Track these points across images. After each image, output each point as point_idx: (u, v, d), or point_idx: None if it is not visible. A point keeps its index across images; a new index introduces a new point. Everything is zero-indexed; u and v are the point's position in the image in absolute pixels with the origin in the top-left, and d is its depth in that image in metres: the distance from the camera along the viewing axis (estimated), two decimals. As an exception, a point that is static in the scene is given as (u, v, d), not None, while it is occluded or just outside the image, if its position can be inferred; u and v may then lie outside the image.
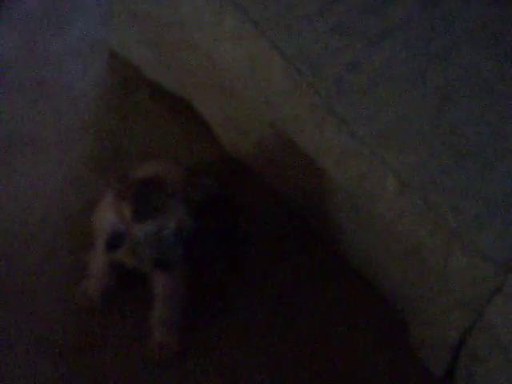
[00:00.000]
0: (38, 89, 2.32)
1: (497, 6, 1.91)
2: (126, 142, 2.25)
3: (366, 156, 1.75)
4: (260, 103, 1.94)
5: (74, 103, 2.32)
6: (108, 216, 1.75)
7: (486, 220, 1.64)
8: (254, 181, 2.21)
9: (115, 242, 1.75)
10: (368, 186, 1.78)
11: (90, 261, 1.96)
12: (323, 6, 1.84)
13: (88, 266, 1.97)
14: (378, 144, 1.74)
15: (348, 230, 2.01)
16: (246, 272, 2.12)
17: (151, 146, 2.26)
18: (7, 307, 1.98)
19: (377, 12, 1.86)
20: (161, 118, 2.31)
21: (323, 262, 2.14)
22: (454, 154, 1.71)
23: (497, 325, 1.65)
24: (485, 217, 1.64)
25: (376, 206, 1.79)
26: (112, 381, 1.91)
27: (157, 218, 1.63)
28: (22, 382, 1.89)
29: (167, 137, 2.28)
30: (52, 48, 2.44)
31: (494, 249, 1.62)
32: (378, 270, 2.01)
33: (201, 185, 1.73)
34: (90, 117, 2.31)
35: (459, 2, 1.91)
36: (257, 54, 1.86)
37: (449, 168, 1.69)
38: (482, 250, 1.62)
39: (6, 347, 1.92)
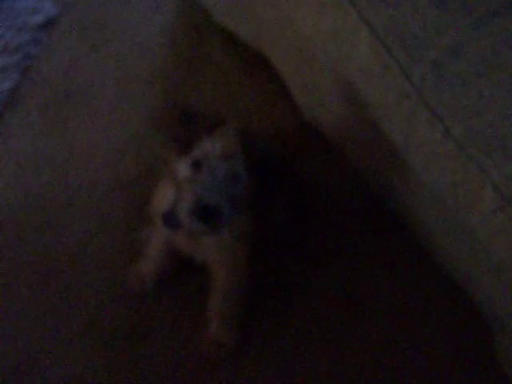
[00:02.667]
0: (99, 33, 2.11)
1: None
2: (194, 100, 2.02)
3: (461, 161, 1.47)
4: (343, 79, 1.66)
5: (138, 51, 2.10)
6: (167, 194, 1.54)
7: None
8: (332, 154, 1.95)
9: (173, 219, 1.52)
10: (461, 196, 1.50)
11: (146, 241, 1.79)
12: (423, -25, 1.51)
13: (143, 246, 1.80)
14: (476, 148, 1.45)
15: (432, 228, 1.76)
16: (312, 255, 1.90)
17: (221, 104, 2.01)
18: (54, 284, 1.85)
19: (488, -15, 1.51)
20: (233, 73, 2.07)
21: (403, 252, 1.91)
22: None
23: None
24: None
25: (468, 218, 1.52)
26: (161, 372, 1.77)
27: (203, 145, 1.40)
28: (69, 367, 1.77)
29: (240, 95, 2.05)
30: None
31: None
32: (463, 276, 1.77)
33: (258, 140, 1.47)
34: (155, 67, 2.09)
35: None
36: (342, 26, 1.56)
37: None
38: None
39: (47, 330, 1.80)
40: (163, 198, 1.58)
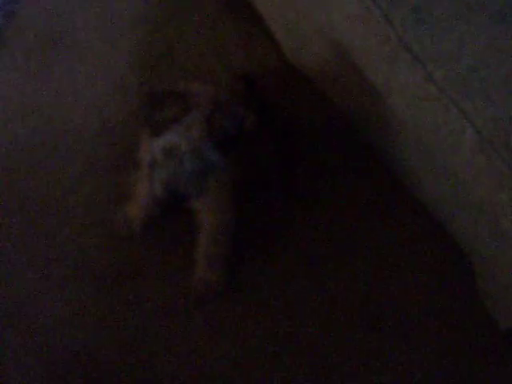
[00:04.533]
0: (80, -25, 2.08)
1: None
2: (177, 43, 2.02)
3: (442, 104, 1.48)
4: (325, 23, 1.67)
5: (119, -6, 2.07)
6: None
7: None
8: (315, 95, 1.96)
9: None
10: (442, 138, 1.53)
11: (133, 184, 1.80)
12: None
13: (130, 189, 1.82)
14: (457, 92, 1.46)
15: (415, 169, 1.79)
16: (298, 195, 1.93)
17: (205, 48, 2.01)
18: (42, 225, 1.88)
19: None
20: (217, 16, 2.05)
21: (386, 192, 1.94)
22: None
23: None
24: None
25: (450, 160, 1.55)
26: (150, 312, 1.82)
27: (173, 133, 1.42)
28: (59, 309, 1.81)
29: (223, 38, 2.04)
30: None
31: None
32: (447, 215, 1.81)
33: (230, 111, 1.46)
34: (137, 11, 2.08)
35: None
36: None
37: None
38: None
39: (36, 273, 1.83)
40: (148, 145, 1.60)
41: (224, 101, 1.47)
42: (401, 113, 1.60)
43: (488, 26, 1.48)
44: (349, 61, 1.68)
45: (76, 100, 1.98)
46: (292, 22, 1.87)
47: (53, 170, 1.91)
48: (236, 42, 2.01)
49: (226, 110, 1.44)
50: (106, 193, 1.90)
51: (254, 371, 1.76)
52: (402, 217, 1.92)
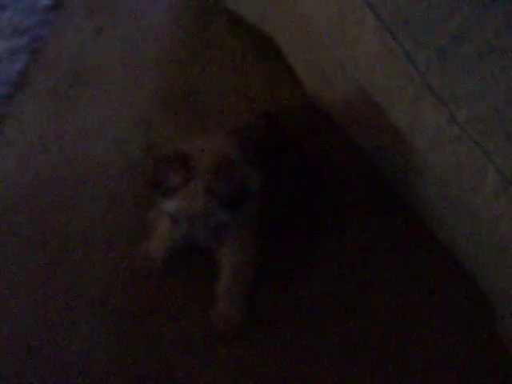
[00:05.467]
0: (105, 13, 2.12)
1: None
2: (200, 81, 2.05)
3: (465, 145, 1.49)
4: (347, 62, 1.68)
5: (145, 32, 2.11)
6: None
7: None
8: (336, 133, 1.97)
9: None
10: (464, 178, 1.53)
11: (155, 220, 1.81)
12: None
13: (152, 225, 1.83)
14: (480, 132, 1.47)
15: (436, 208, 1.80)
16: (318, 232, 1.93)
17: (227, 86, 2.03)
18: (64, 264, 1.88)
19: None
20: (240, 55, 2.07)
21: (408, 231, 1.93)
22: None
23: None
24: None
25: (472, 200, 1.55)
26: (171, 350, 1.80)
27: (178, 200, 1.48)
28: (79, 342, 1.81)
29: (246, 77, 2.05)
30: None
31: None
32: (467, 256, 1.80)
33: (231, 176, 1.50)
34: (161, 50, 2.10)
35: None
36: (347, 11, 1.58)
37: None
38: None
39: (59, 308, 1.84)
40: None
41: (225, 165, 1.50)
42: (423, 152, 1.61)
43: (510, 67, 1.49)
44: (371, 100, 1.69)
45: (99, 136, 2.00)
46: (314, 59, 1.89)
47: (75, 206, 1.93)
48: (259, 81, 2.03)
49: (226, 176, 1.48)
50: (128, 229, 1.90)
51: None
52: (423, 256, 1.92)
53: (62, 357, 1.79)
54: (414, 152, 1.65)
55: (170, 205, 1.49)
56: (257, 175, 1.54)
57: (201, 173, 1.46)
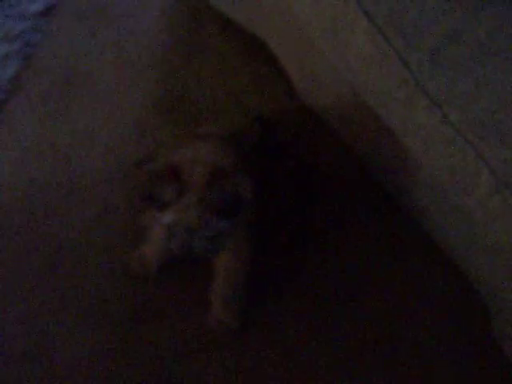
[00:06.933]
0: (97, 17, 2.12)
1: None
2: (193, 85, 2.04)
3: (458, 146, 1.49)
4: (340, 65, 1.68)
5: (137, 36, 2.12)
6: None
7: None
8: (328, 136, 1.98)
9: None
10: (458, 180, 1.53)
11: (149, 225, 1.81)
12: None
13: (146, 230, 1.82)
14: (473, 134, 1.48)
15: (429, 209, 1.80)
16: (314, 238, 1.93)
17: (220, 89, 2.04)
18: (59, 269, 1.88)
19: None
20: (231, 59, 2.08)
21: (400, 230, 1.94)
22: None
23: None
24: None
25: (465, 201, 1.55)
26: (167, 355, 1.80)
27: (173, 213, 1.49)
28: (72, 353, 1.80)
29: (238, 80, 2.05)
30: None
31: None
32: (462, 256, 1.81)
33: (222, 188, 1.50)
34: (154, 54, 2.10)
35: None
36: (340, 15, 1.58)
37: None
38: None
39: (54, 314, 1.83)
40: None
41: (217, 175, 1.49)
42: (416, 153, 1.61)
43: (504, 69, 1.50)
44: (363, 102, 1.70)
45: (92, 141, 2.00)
46: (306, 62, 1.89)
47: (69, 211, 1.93)
48: (251, 84, 2.04)
49: (218, 187, 1.48)
50: (122, 234, 1.90)
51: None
52: (417, 257, 1.92)
53: (57, 363, 1.78)
54: (408, 154, 1.65)
55: (166, 218, 1.50)
56: (250, 182, 1.54)
57: (193, 185, 1.47)
